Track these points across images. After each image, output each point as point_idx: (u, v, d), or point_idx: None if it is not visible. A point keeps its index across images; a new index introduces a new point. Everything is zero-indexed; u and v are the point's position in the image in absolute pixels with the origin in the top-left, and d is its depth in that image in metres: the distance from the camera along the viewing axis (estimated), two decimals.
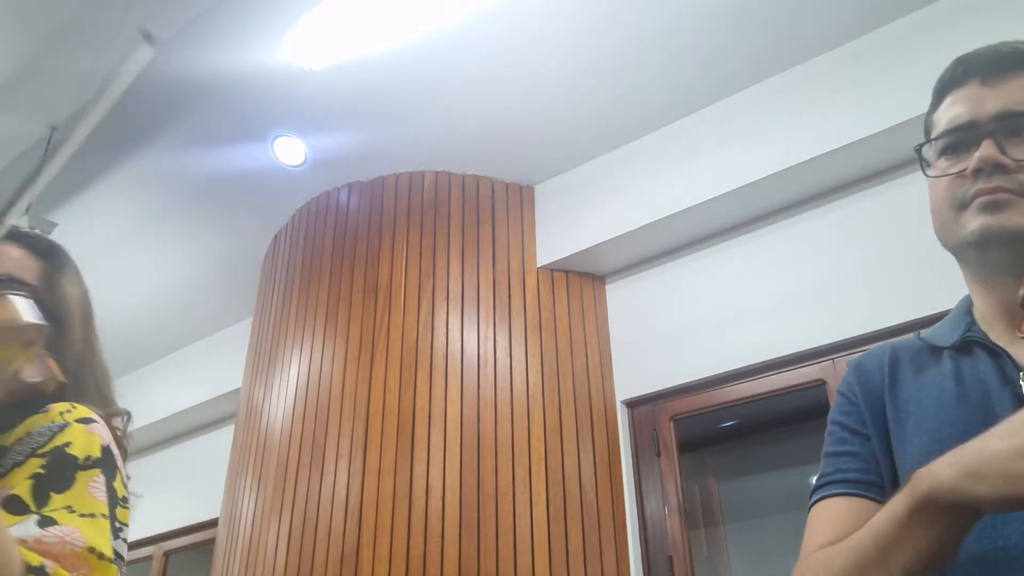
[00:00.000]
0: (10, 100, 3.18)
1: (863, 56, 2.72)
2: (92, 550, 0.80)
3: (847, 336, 2.61)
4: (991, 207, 0.82)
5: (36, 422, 0.91)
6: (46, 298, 1.01)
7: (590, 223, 3.20)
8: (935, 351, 0.92)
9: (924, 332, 0.97)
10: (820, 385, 2.68)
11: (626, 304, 3.29)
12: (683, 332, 3.02)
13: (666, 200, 3.02)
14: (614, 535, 2.84)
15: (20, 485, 0.85)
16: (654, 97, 3.02)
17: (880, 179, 2.77)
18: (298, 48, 2.68)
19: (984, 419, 0.75)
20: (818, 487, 0.92)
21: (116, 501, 0.90)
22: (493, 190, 3.40)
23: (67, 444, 0.91)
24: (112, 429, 1.00)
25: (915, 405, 0.87)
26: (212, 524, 3.85)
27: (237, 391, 3.88)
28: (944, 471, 0.64)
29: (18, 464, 0.88)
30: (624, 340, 3.22)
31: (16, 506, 0.82)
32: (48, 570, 0.73)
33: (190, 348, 4.68)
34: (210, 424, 4.58)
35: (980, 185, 0.83)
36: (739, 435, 3.42)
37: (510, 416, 2.87)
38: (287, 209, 3.68)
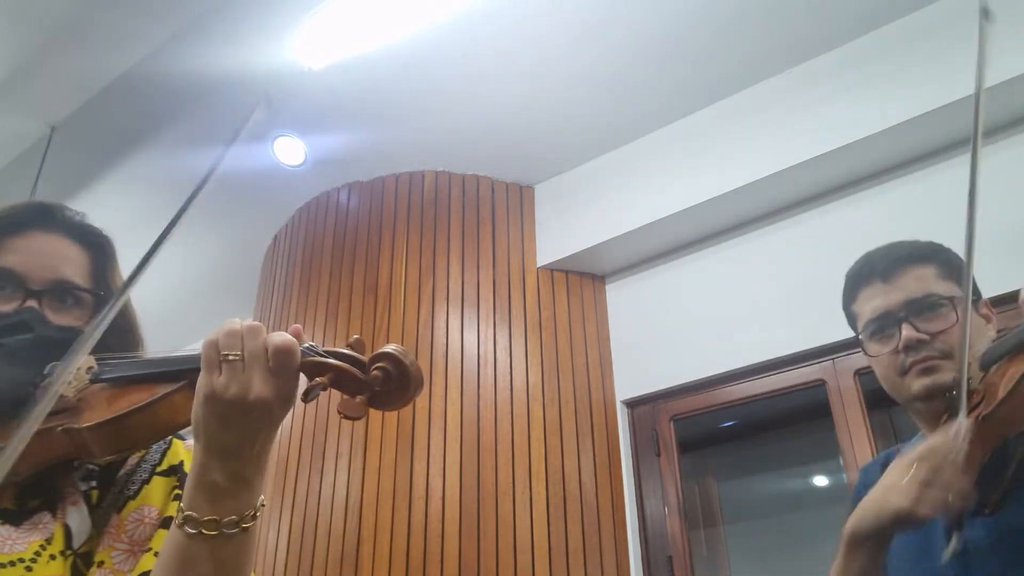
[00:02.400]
0: (10, 100, 3.18)
1: (863, 57, 2.72)
2: None
3: (847, 336, 2.57)
4: (926, 371, 1.12)
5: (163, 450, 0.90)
6: (105, 301, 0.91)
7: (590, 223, 3.20)
8: None
9: (904, 447, 1.22)
10: (820, 385, 2.68)
11: (626, 304, 3.29)
12: (683, 332, 3.02)
13: (666, 200, 3.02)
14: (614, 535, 2.84)
15: (170, 507, 0.85)
16: (654, 97, 3.02)
17: (880, 179, 2.77)
18: (298, 48, 2.68)
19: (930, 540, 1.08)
20: None
21: None
22: (493, 190, 3.40)
23: (181, 463, 0.90)
24: None
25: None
26: None
27: None
28: (853, 516, 1.02)
29: (146, 482, 0.87)
30: (624, 340, 3.22)
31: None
32: None
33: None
34: None
35: (912, 357, 1.13)
36: (739, 435, 3.42)
37: (510, 416, 2.87)
38: (287, 209, 3.68)
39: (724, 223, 3.06)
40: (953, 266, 1.20)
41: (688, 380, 2.95)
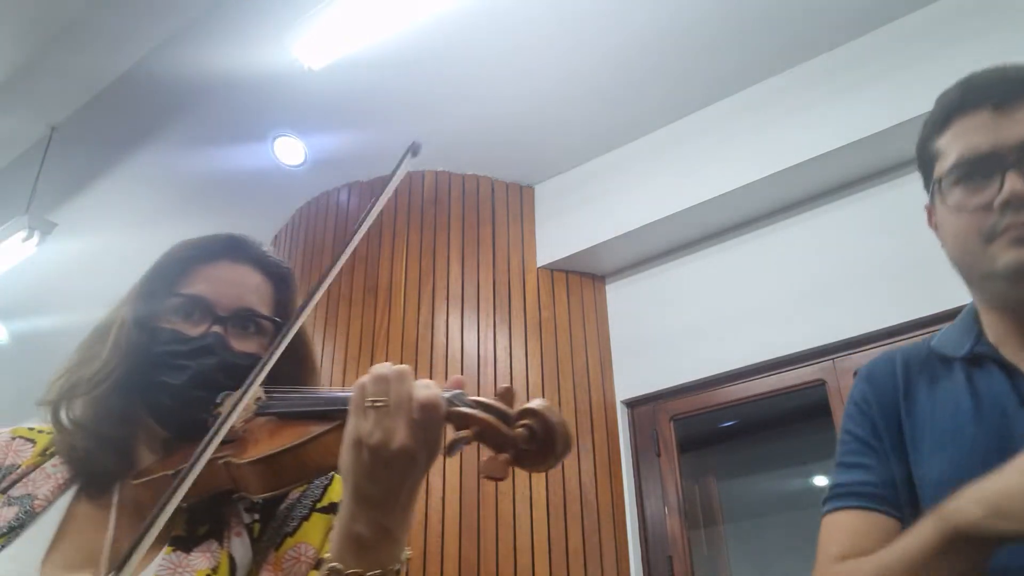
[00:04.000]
0: (10, 100, 3.18)
1: (864, 57, 2.72)
2: None
3: (847, 336, 2.61)
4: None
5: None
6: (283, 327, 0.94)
7: (590, 223, 3.20)
8: (945, 361, 0.91)
9: (932, 339, 0.96)
10: (820, 385, 2.68)
11: (626, 304, 3.29)
12: (683, 332, 3.02)
13: (666, 200, 3.02)
14: (614, 535, 2.84)
15: (326, 547, 0.84)
16: (654, 98, 3.02)
17: (880, 179, 2.77)
18: (298, 48, 2.68)
19: (1001, 441, 0.78)
20: (832, 497, 0.93)
21: None
22: (493, 190, 3.40)
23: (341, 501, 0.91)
24: None
25: (931, 424, 0.87)
26: None
27: None
28: (971, 509, 0.67)
29: (305, 519, 0.88)
30: (624, 340, 3.22)
31: None
32: None
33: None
34: None
35: (1011, 219, 0.82)
36: (739, 435, 3.42)
37: None
38: (287, 209, 3.68)
39: (724, 223, 3.06)
40: None
41: (688, 380, 2.95)
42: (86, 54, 2.95)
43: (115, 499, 0.85)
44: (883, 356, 0.99)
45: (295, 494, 0.88)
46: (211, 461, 0.74)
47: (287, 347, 0.77)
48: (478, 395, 0.69)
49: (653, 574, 2.81)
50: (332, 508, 0.90)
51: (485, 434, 0.65)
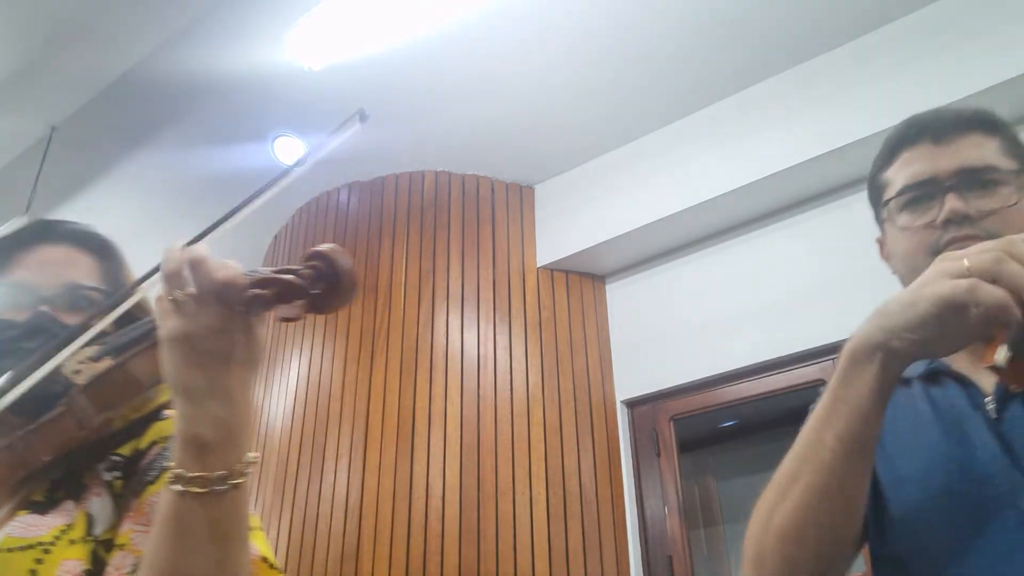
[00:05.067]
0: (10, 100, 3.18)
1: (864, 57, 2.72)
2: (264, 559, 0.79)
3: (847, 336, 2.60)
4: None
5: (163, 429, 0.89)
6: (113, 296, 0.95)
7: (590, 223, 3.20)
8: (904, 381, 0.97)
9: None
10: (820, 385, 2.67)
11: (626, 304, 3.29)
12: (683, 332, 3.02)
13: (666, 200, 3.02)
14: (614, 535, 2.84)
15: None
16: (654, 97, 3.03)
17: None
18: (298, 48, 2.68)
19: (959, 439, 0.84)
20: None
21: None
22: (493, 190, 3.40)
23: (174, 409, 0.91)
24: None
25: (891, 425, 0.91)
26: None
27: None
28: (864, 323, 0.79)
29: (164, 469, 0.85)
30: (624, 340, 3.22)
31: None
32: None
33: None
34: None
35: (952, 234, 0.92)
36: (739, 435, 3.42)
37: (510, 416, 2.87)
38: (287, 209, 3.68)
39: (724, 223, 3.06)
40: (1017, 145, 0.99)
41: (688, 380, 2.95)
42: (86, 54, 2.95)
43: None
44: None
45: (156, 449, 0.88)
46: (57, 417, 0.78)
47: (126, 314, 0.78)
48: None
49: (653, 574, 2.81)
50: None
51: (282, 291, 0.68)
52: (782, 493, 0.80)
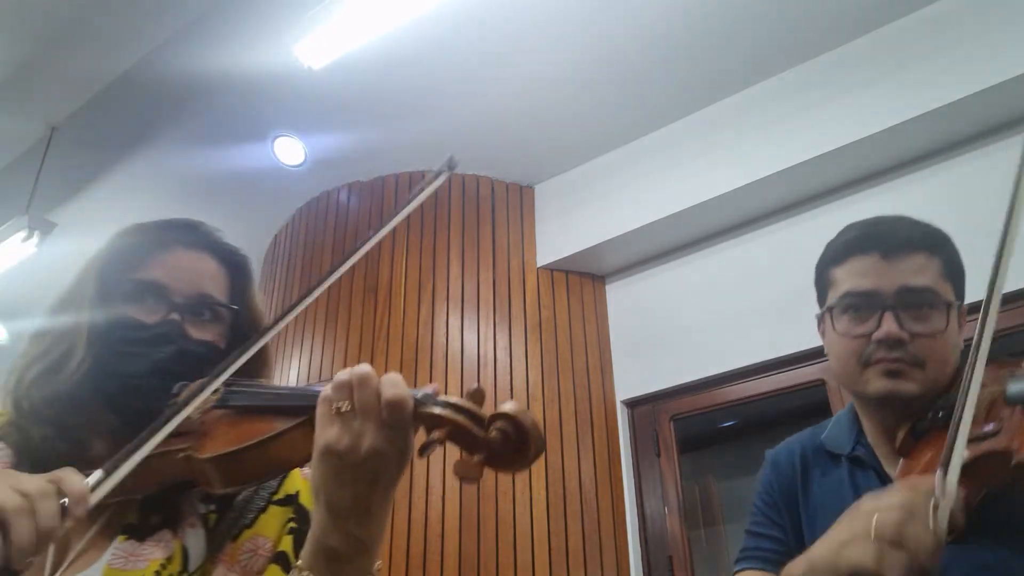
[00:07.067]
0: (10, 100, 3.18)
1: (863, 57, 2.72)
2: None
3: None
4: (891, 374, 1.01)
5: None
6: (241, 317, 0.95)
7: (590, 223, 3.20)
8: (834, 457, 1.12)
9: (822, 433, 1.16)
10: (820, 385, 2.68)
11: (626, 304, 3.29)
12: (683, 332, 3.02)
13: (666, 200, 3.02)
14: (614, 535, 2.84)
15: (283, 541, 0.85)
16: (654, 98, 3.02)
17: (879, 179, 2.77)
18: (298, 48, 2.68)
19: None
20: (741, 559, 1.14)
21: None
22: (493, 190, 3.40)
23: (297, 493, 0.90)
24: None
25: (821, 512, 1.07)
26: None
27: None
28: (796, 565, 0.90)
29: (262, 511, 0.87)
30: (624, 340, 3.22)
31: (285, 563, 0.82)
32: None
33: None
34: None
35: (883, 354, 1.01)
36: (739, 435, 3.42)
37: None
38: (287, 209, 3.68)
39: (724, 223, 3.06)
40: (955, 266, 1.08)
41: (688, 380, 2.95)
42: (86, 54, 2.95)
43: None
44: (785, 445, 1.20)
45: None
46: (170, 453, 0.74)
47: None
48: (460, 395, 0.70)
49: (653, 574, 2.81)
50: (288, 500, 0.89)
51: (457, 435, 0.65)
52: None
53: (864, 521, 0.80)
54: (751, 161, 2.85)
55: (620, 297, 3.32)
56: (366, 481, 0.65)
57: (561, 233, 3.28)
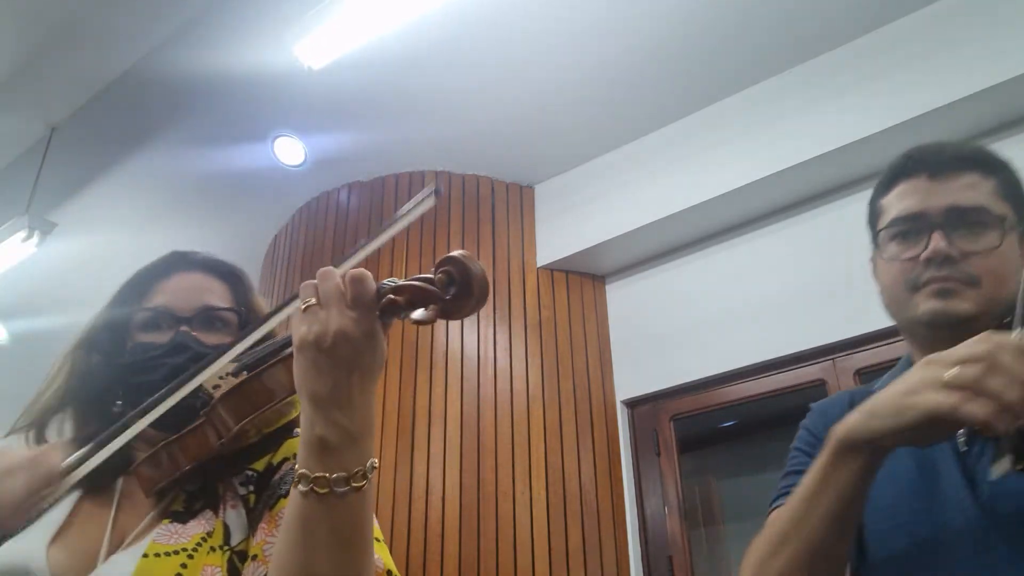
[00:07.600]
0: (10, 100, 3.18)
1: (863, 57, 2.72)
2: (389, 573, 0.83)
3: (847, 336, 2.61)
4: (941, 294, 0.95)
5: (294, 446, 0.93)
6: (247, 320, 1.05)
7: (590, 223, 3.20)
8: None
9: (875, 384, 1.09)
10: (820, 385, 2.68)
11: (626, 304, 3.29)
12: (683, 332, 3.02)
13: (666, 200, 3.02)
14: (614, 535, 2.84)
15: None
16: (654, 97, 3.02)
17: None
18: (298, 48, 2.68)
19: (929, 470, 0.92)
20: (777, 497, 1.07)
21: None
22: (493, 190, 3.40)
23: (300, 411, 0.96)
24: None
25: None
26: None
27: None
28: (852, 417, 0.81)
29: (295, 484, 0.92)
30: (624, 340, 3.22)
31: None
32: None
33: None
34: None
35: (932, 273, 0.96)
36: (739, 435, 3.42)
37: (510, 416, 2.87)
38: (287, 209, 3.68)
39: (724, 223, 3.06)
40: (1014, 188, 1.01)
41: (688, 380, 2.95)
42: (86, 54, 2.95)
43: (117, 492, 0.94)
44: (837, 395, 1.15)
45: (286, 466, 0.93)
46: (198, 427, 0.85)
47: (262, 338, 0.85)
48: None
49: (653, 574, 2.81)
50: None
51: (415, 297, 0.70)
52: (773, 550, 0.89)
53: (937, 371, 0.74)
54: (751, 161, 2.85)
55: (620, 297, 3.33)
56: (343, 368, 0.70)
57: (561, 233, 3.28)
